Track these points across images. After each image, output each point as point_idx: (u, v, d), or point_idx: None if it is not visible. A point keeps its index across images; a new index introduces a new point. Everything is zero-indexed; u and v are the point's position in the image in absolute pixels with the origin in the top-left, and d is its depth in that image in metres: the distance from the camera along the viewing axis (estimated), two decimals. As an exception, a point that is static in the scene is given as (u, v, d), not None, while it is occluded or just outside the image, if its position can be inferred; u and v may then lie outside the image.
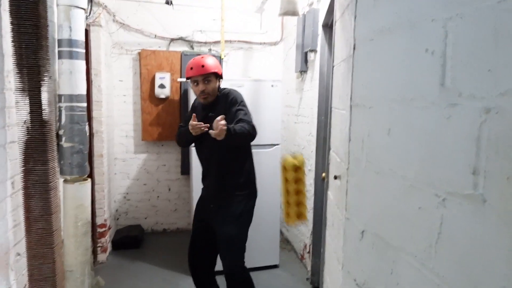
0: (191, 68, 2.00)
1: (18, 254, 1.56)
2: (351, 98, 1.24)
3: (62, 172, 1.81)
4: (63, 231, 1.83)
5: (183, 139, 2.23)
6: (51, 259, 1.41)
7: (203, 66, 1.99)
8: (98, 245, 3.32)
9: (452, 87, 0.73)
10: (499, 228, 0.64)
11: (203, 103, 2.11)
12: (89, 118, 2.96)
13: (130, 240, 3.69)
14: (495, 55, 0.63)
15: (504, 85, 0.61)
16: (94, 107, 3.15)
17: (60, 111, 1.78)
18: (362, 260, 1.16)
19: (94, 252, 3.23)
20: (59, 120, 1.78)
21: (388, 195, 0.99)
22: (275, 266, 3.23)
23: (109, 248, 3.55)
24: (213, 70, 2.02)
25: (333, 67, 1.82)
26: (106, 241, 3.41)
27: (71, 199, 1.84)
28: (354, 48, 1.21)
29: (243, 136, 1.94)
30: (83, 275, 1.91)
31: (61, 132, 1.79)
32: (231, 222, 2.14)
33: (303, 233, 3.32)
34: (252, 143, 3.14)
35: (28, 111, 1.38)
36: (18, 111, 1.39)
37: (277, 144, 3.13)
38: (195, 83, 2.05)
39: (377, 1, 1.06)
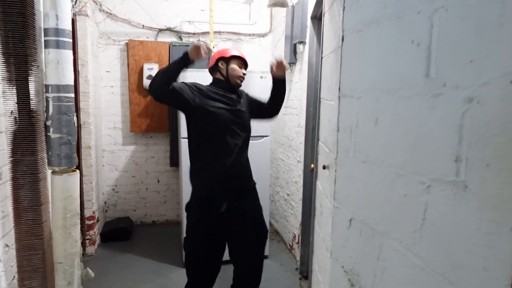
0: (234, 52, 2.08)
1: (7, 246, 1.55)
2: (339, 89, 1.26)
3: (50, 163, 1.80)
4: (52, 222, 1.82)
5: (170, 74, 1.85)
6: (40, 250, 1.41)
7: (242, 54, 2.13)
8: (87, 237, 3.30)
9: (437, 77, 0.76)
10: (479, 213, 0.67)
11: (235, 86, 2.08)
12: (76, 109, 2.92)
13: (119, 232, 3.68)
14: (477, 47, 0.66)
15: (485, 76, 0.64)
16: (81, 98, 3.11)
17: (47, 101, 1.76)
18: (350, 247, 1.19)
19: (83, 245, 3.22)
20: (47, 110, 1.76)
21: (375, 183, 1.02)
22: (265, 257, 3.27)
23: (98, 241, 3.54)
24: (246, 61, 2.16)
25: (322, 58, 1.83)
26: (95, 233, 3.40)
27: (59, 190, 1.83)
28: (342, 40, 1.23)
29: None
30: (72, 267, 1.91)
31: (48, 123, 1.77)
32: (261, 214, 2.17)
33: (292, 224, 3.37)
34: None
35: (16, 101, 1.37)
36: (5, 101, 1.37)
37: (266, 136, 3.14)
38: (241, 66, 2.10)
39: (365, -7, 1.08)
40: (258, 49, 4.11)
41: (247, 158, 2.12)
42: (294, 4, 2.96)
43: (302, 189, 2.88)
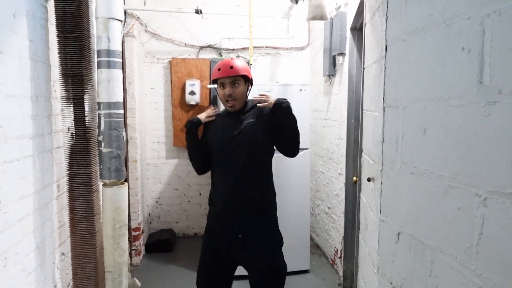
0: (219, 70, 1.78)
1: (63, 254, 1.65)
2: (383, 100, 1.24)
3: (101, 176, 1.90)
4: (102, 233, 1.91)
5: (191, 150, 1.98)
6: (93, 258, 1.48)
7: (231, 67, 1.76)
8: (133, 248, 3.42)
9: (491, 84, 0.73)
10: (544, 227, 0.62)
11: (230, 111, 1.85)
12: (124, 125, 3.07)
13: (162, 244, 3.78)
14: (536, 51, 0.63)
15: (546, 81, 0.60)
16: (128, 114, 3.27)
17: (99, 118, 1.87)
18: (398, 262, 1.15)
19: (130, 255, 3.33)
20: (99, 126, 1.87)
21: (424, 195, 0.98)
22: (305, 271, 3.22)
23: (143, 251, 3.66)
24: (242, 73, 1.77)
25: (363, 69, 1.81)
26: (140, 244, 3.52)
27: (109, 202, 1.92)
28: (386, 49, 1.21)
29: (293, 117, 1.78)
30: (120, 276, 1.98)
31: (100, 138, 1.88)
32: (273, 246, 1.87)
33: (333, 238, 3.29)
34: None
35: (72, 117, 1.47)
36: (63, 118, 1.47)
37: (306, 148, 3.12)
38: (222, 86, 1.80)
39: (408, 1, 1.06)
40: (296, 62, 4.13)
41: (256, 185, 1.84)
42: (333, 17, 2.96)
43: (343, 202, 2.82)
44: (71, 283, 1.57)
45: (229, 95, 1.79)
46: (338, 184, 3.12)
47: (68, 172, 1.45)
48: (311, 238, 3.88)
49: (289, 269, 3.02)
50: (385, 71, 1.23)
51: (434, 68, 0.92)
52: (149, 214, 4.15)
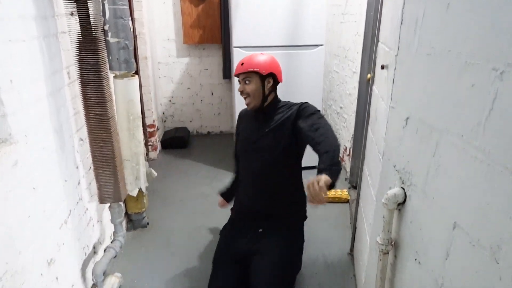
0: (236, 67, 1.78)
1: (81, 139, 1.73)
2: (407, -24, 1.13)
3: (111, 68, 1.88)
4: (118, 125, 1.98)
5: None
6: (109, 143, 1.55)
7: (242, 64, 1.71)
8: (149, 143, 3.58)
9: None
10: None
11: (251, 110, 1.82)
12: (131, 19, 2.95)
13: (177, 141, 3.93)
14: None
15: None
16: (135, 7, 3.12)
17: (103, 5, 1.78)
18: (403, 146, 1.17)
19: (146, 150, 3.51)
20: (103, 14, 1.79)
21: (439, 77, 0.95)
22: (315, 167, 3.36)
23: (159, 147, 3.83)
24: (253, 69, 1.68)
25: None
26: (156, 140, 3.67)
27: (121, 94, 1.94)
28: None
29: (339, 166, 1.42)
30: (138, 164, 2.11)
31: (106, 27, 1.81)
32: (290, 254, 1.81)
33: (343, 137, 3.35)
34: (293, 43, 3.02)
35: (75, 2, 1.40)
36: (65, 1, 1.40)
37: (321, 45, 2.99)
38: (242, 80, 1.76)
39: None
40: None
41: (274, 195, 1.82)
42: None
43: (356, 101, 2.80)
44: (92, 166, 1.68)
45: (241, 92, 1.76)
46: (352, 83, 3.06)
47: (77, 57, 1.43)
48: (321, 138, 3.97)
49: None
50: None
51: None
52: (163, 113, 4.25)
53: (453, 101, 0.89)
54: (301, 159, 1.87)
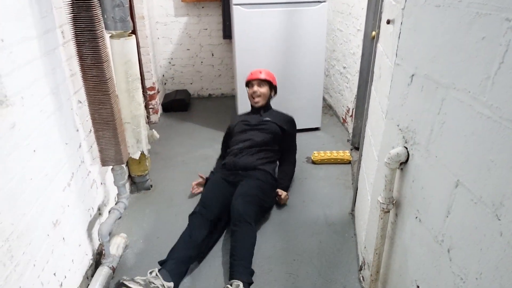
0: (251, 75, 2.45)
1: (80, 102, 1.70)
2: None
3: (106, 27, 1.81)
4: (116, 87, 1.94)
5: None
6: (108, 104, 1.52)
7: (260, 72, 2.43)
8: (150, 106, 3.55)
9: None
10: None
11: (254, 106, 2.48)
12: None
13: (178, 103, 3.90)
14: None
15: None
16: (129, -38, 2.96)
17: (94, -42, 1.69)
18: (408, 105, 1.14)
19: (147, 113, 3.48)
20: (95, -33, 1.70)
21: (447, 30, 0.91)
22: (316, 129, 3.35)
23: (160, 110, 3.80)
24: (266, 78, 2.42)
25: None
26: (157, 103, 3.63)
27: (119, 55, 1.89)
28: None
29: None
30: (138, 127, 2.09)
31: (99, -17, 1.73)
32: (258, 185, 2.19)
33: (346, 97, 3.30)
34: (294, 0, 2.91)
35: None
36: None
37: (323, 1, 2.87)
38: (251, 86, 2.44)
39: None
40: None
41: (266, 156, 2.33)
42: None
43: (359, 60, 2.72)
44: (92, 129, 1.66)
45: (254, 92, 2.42)
46: (356, 42, 2.97)
47: (70, 15, 1.37)
48: (324, 99, 3.92)
49: (300, 127, 3.15)
50: None
51: None
52: (163, 75, 4.18)
53: (461, 55, 0.85)
54: (279, 150, 2.46)
